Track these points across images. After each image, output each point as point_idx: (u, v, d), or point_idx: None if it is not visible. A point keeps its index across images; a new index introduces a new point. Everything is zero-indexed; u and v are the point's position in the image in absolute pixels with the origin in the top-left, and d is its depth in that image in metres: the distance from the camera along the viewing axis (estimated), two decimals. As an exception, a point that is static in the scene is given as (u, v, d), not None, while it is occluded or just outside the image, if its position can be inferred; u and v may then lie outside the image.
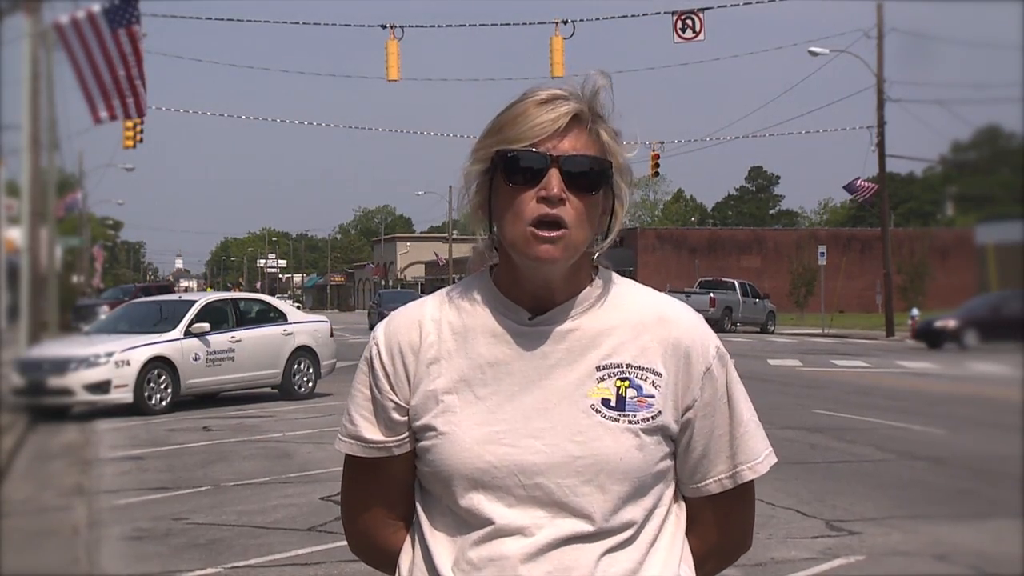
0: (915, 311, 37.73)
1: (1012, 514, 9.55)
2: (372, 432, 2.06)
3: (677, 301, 2.08)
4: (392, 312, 2.15)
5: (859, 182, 42.29)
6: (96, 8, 20.21)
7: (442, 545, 2.00)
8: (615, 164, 2.00)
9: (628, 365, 1.99)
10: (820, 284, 44.72)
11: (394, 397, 2.04)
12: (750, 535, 2.19)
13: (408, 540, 2.09)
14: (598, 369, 1.98)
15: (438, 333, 2.04)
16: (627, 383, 1.98)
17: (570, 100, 1.97)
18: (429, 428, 2.01)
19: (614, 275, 2.08)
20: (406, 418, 2.04)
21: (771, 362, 27.02)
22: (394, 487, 2.10)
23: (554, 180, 1.93)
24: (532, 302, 2.01)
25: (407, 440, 2.06)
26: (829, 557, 7.90)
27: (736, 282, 47.39)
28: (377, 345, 2.07)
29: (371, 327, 40.34)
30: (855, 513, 9.38)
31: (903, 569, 7.79)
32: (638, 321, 2.02)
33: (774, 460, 2.10)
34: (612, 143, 2.00)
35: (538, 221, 1.92)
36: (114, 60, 20.07)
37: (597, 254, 2.04)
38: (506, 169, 1.95)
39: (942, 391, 20.00)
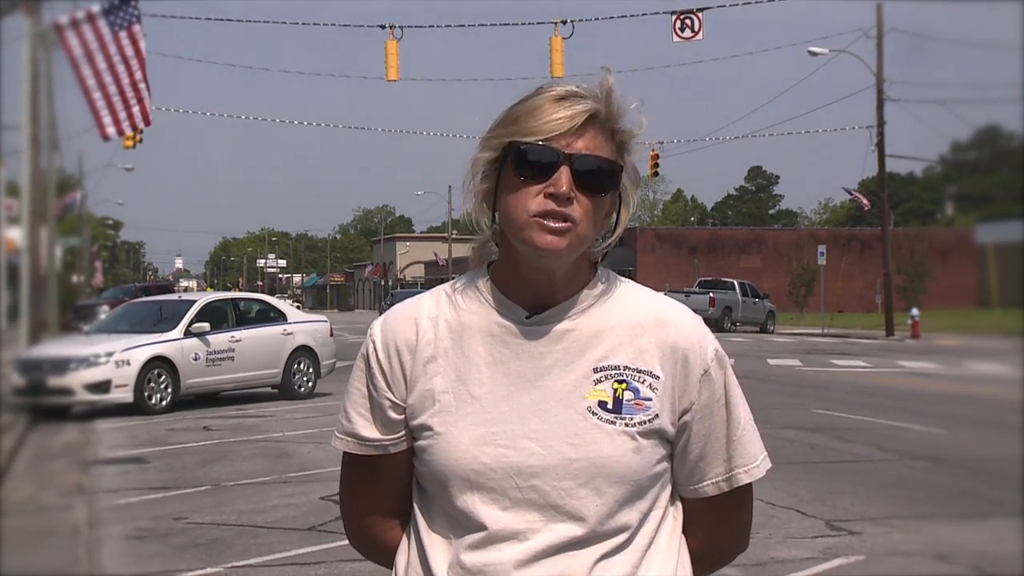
0: (915, 311, 37.75)
1: (1013, 514, 9.54)
2: (368, 430, 2.05)
3: (676, 303, 2.05)
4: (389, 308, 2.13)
5: (857, 192, 42.57)
6: (96, 8, 20.15)
7: (438, 548, 1.99)
8: (626, 168, 1.98)
9: (625, 367, 1.97)
10: (820, 284, 44.72)
11: (390, 396, 2.03)
12: (747, 536, 2.17)
13: (404, 541, 2.08)
14: (595, 371, 1.96)
15: (435, 331, 2.02)
16: (624, 385, 1.96)
17: (587, 99, 1.94)
18: (425, 428, 1.99)
19: (613, 275, 2.06)
20: (403, 417, 2.03)
21: (771, 362, 27.02)
22: (392, 484, 2.09)
23: (564, 178, 1.90)
24: (531, 300, 1.99)
25: (404, 438, 2.04)
26: (829, 557, 7.90)
27: (736, 282, 47.39)
28: (374, 343, 2.05)
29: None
30: (855, 513, 9.38)
31: (903, 569, 7.78)
32: (636, 322, 2.00)
33: (769, 464, 2.09)
34: (627, 144, 1.99)
35: (544, 213, 1.90)
36: (117, 68, 19.94)
37: (599, 256, 2.03)
38: (517, 161, 1.93)
39: (942, 391, 19.97)
